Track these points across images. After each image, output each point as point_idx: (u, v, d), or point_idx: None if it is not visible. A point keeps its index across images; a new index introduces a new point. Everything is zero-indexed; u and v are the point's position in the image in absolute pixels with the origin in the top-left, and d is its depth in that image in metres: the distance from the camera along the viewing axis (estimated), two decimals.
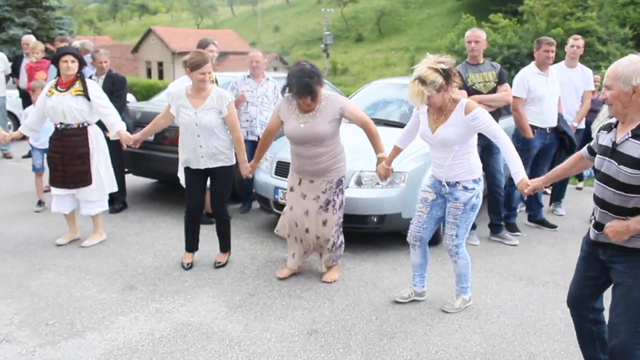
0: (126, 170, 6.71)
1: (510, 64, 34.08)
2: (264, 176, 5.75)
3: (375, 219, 5.12)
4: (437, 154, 3.86)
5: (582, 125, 6.71)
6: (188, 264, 4.80)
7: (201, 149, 4.57)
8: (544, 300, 4.30)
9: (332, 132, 4.29)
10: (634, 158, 2.53)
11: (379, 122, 6.16)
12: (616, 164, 2.61)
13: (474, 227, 5.54)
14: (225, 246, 4.95)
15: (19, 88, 9.36)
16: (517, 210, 6.05)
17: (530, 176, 5.83)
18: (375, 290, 4.40)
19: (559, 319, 3.97)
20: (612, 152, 2.65)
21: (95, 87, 5.12)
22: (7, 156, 9.54)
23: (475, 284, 4.53)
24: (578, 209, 7.01)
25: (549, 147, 5.91)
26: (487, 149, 5.38)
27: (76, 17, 57.70)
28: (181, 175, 5.90)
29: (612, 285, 2.78)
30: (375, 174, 4.90)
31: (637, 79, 2.52)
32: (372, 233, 5.39)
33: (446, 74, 3.59)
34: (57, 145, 5.07)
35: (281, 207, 5.52)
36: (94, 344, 3.49)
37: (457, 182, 3.80)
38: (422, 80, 3.55)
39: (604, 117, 6.35)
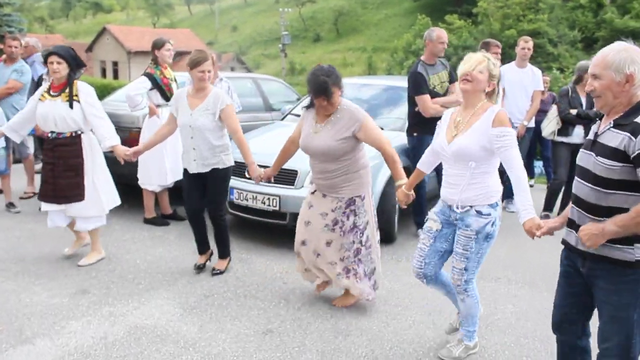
0: None
1: None
2: None
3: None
4: (451, 171, 3.27)
5: (532, 124, 6.92)
6: (200, 265, 4.76)
7: (194, 152, 4.46)
8: (495, 295, 4.41)
9: (342, 149, 3.83)
10: (612, 148, 2.31)
11: None
12: (594, 155, 2.39)
13: (420, 224, 5.50)
14: (223, 253, 4.76)
15: None
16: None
17: None
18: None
19: (510, 312, 4.08)
20: (593, 143, 2.44)
21: (89, 93, 4.61)
22: None
23: None
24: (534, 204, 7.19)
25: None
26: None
27: (26, 14, 56.07)
28: (141, 177, 5.84)
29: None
30: None
31: (631, 67, 2.31)
32: None
33: (494, 74, 3.19)
34: (49, 155, 4.64)
35: (237, 207, 5.51)
36: (44, 351, 3.41)
37: (470, 207, 3.20)
38: (489, 59, 3.16)
39: (553, 116, 6.55)
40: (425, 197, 5.79)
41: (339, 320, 3.90)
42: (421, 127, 5.43)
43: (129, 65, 49.19)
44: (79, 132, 4.63)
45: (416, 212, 5.78)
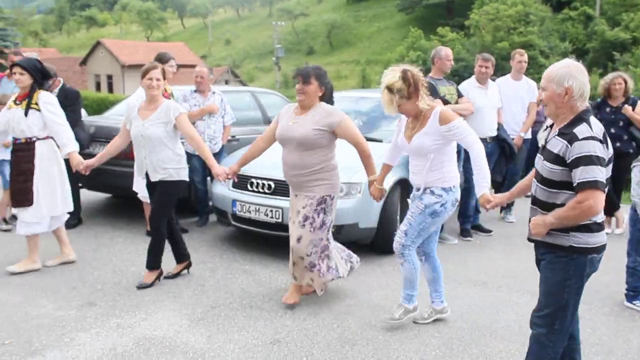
0: (80, 185, 6.60)
1: (459, 77, 34.89)
2: (222, 189, 5.77)
3: (333, 229, 5.19)
4: (414, 162, 3.88)
5: (529, 135, 7.02)
6: (169, 273, 4.88)
7: (145, 161, 4.57)
8: (498, 304, 4.46)
9: (318, 141, 4.06)
10: (555, 154, 2.69)
11: None
12: (542, 159, 2.79)
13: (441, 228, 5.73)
14: (152, 263, 4.69)
15: None
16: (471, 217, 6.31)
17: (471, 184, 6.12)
18: (335, 299, 4.47)
19: (513, 320, 4.13)
20: (543, 149, 2.83)
21: (49, 101, 4.82)
22: None
23: None
24: (528, 216, 7.27)
25: (490, 155, 6.22)
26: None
27: (20, 28, 56.13)
28: (137, 189, 5.87)
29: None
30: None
31: (569, 81, 2.67)
32: None
33: (413, 82, 3.65)
34: (11, 160, 4.93)
35: (239, 219, 5.55)
36: None
37: (426, 188, 3.80)
38: (389, 89, 3.63)
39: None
40: (471, 206, 6.04)
41: (345, 330, 3.94)
42: None
43: (123, 78, 49.20)
44: (34, 139, 4.78)
45: (462, 218, 6.21)
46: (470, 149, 3.71)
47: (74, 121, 6.15)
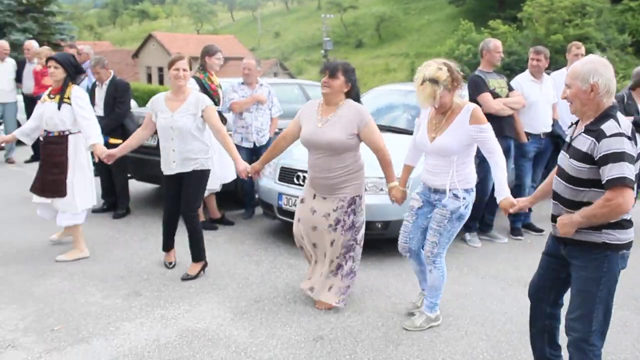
0: (129, 175, 6.71)
1: (511, 71, 34.16)
2: (268, 182, 5.75)
3: (380, 225, 5.12)
4: (432, 161, 3.73)
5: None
6: (170, 263, 4.93)
7: (173, 153, 4.57)
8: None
9: (349, 145, 3.95)
10: (582, 152, 2.64)
11: (383, 128, 6.19)
12: (568, 157, 2.73)
13: (470, 228, 5.59)
14: (197, 256, 4.75)
15: (22, 93, 9.37)
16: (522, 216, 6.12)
17: (532, 180, 5.93)
18: (380, 297, 4.39)
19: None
20: (568, 146, 2.77)
21: (79, 95, 4.93)
22: (9, 161, 9.54)
23: (480, 290, 4.54)
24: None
25: (544, 151, 6.12)
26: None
27: (76, 22, 57.67)
28: None
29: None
30: (378, 179, 4.92)
31: (594, 77, 2.61)
32: (376, 239, 5.38)
33: (452, 73, 3.55)
34: (42, 152, 5.04)
35: (285, 213, 5.52)
36: (100, 350, 3.48)
37: (449, 190, 3.66)
38: (433, 80, 3.48)
39: None
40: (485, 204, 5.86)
41: (390, 329, 3.85)
42: None
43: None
44: (67, 133, 4.94)
45: (513, 216, 5.92)
46: (490, 156, 3.58)
47: (124, 112, 6.29)
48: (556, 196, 2.83)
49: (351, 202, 4.07)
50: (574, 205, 2.72)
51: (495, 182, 3.53)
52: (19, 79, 9.29)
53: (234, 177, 5.92)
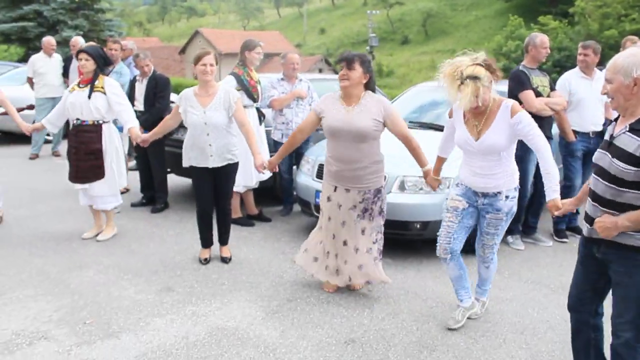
0: (168, 170, 6.73)
1: (561, 67, 33.20)
2: (306, 179, 5.67)
3: (418, 226, 4.97)
4: (478, 162, 3.55)
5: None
6: (205, 259, 4.91)
7: (210, 148, 4.62)
8: None
9: (374, 132, 3.97)
10: (628, 152, 2.48)
11: (425, 125, 6.03)
12: (610, 156, 2.57)
13: (512, 231, 5.41)
14: (226, 239, 4.97)
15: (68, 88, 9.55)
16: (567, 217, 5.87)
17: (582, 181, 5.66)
18: (416, 300, 4.25)
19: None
20: (609, 145, 2.62)
21: (112, 84, 5.19)
22: (55, 154, 9.75)
23: (522, 296, 4.35)
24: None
25: (593, 151, 5.73)
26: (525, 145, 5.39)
27: (126, 19, 59.00)
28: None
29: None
30: (418, 179, 4.80)
31: (637, 71, 2.47)
32: (414, 240, 5.23)
33: (489, 67, 3.37)
34: (73, 140, 5.22)
35: None
36: (129, 346, 3.47)
37: (498, 192, 3.55)
38: (474, 77, 3.28)
39: None
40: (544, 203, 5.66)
41: (425, 334, 3.72)
42: None
43: (219, 66, 50.49)
44: (100, 122, 5.16)
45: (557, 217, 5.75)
46: (537, 149, 3.43)
47: (164, 107, 6.30)
48: (595, 196, 2.67)
49: (377, 192, 4.13)
50: (615, 207, 2.57)
51: (545, 179, 3.35)
52: (66, 74, 9.48)
53: (270, 174, 5.87)
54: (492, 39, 48.11)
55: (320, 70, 50.05)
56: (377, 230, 4.22)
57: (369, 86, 4.07)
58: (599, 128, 5.69)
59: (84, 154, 5.13)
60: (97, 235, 5.43)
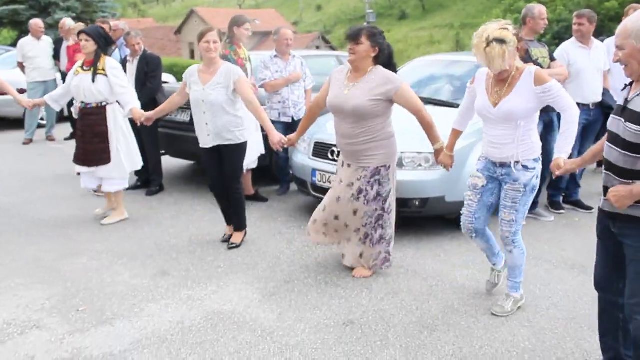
0: (162, 152, 6.63)
1: (560, 39, 32.86)
2: (302, 158, 5.57)
3: (417, 203, 4.88)
4: (496, 132, 3.46)
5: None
6: (224, 235, 4.91)
7: (207, 127, 4.54)
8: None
9: (375, 111, 3.86)
10: None
11: (424, 100, 5.89)
12: (623, 121, 2.46)
13: (535, 205, 5.37)
14: (239, 225, 4.84)
15: (60, 71, 9.41)
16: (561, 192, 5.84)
17: (578, 153, 5.56)
18: (416, 278, 4.17)
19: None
20: (623, 109, 2.50)
21: (113, 66, 5.12)
22: (49, 139, 9.63)
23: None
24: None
25: (593, 123, 5.74)
26: (548, 126, 5.24)
27: (120, 0, 58.37)
28: None
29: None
30: (417, 155, 4.71)
31: None
32: (413, 217, 5.14)
33: (516, 35, 3.29)
34: (79, 123, 5.26)
35: (319, 189, 5.34)
36: (123, 333, 3.39)
37: (516, 162, 3.42)
38: (500, 40, 3.20)
39: None
40: (565, 177, 5.61)
41: (425, 314, 3.64)
42: None
43: None
44: (104, 104, 5.13)
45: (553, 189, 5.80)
46: (564, 112, 3.37)
47: (156, 87, 6.20)
48: (609, 165, 2.56)
49: (375, 172, 4.00)
50: (630, 175, 2.45)
51: (559, 138, 3.35)
52: (57, 56, 9.33)
53: (263, 151, 5.82)
54: (490, 13, 47.43)
55: (317, 48, 49.53)
56: (370, 215, 4.07)
57: (381, 59, 3.94)
58: (599, 98, 5.61)
59: (90, 137, 5.13)
60: (104, 217, 5.42)
